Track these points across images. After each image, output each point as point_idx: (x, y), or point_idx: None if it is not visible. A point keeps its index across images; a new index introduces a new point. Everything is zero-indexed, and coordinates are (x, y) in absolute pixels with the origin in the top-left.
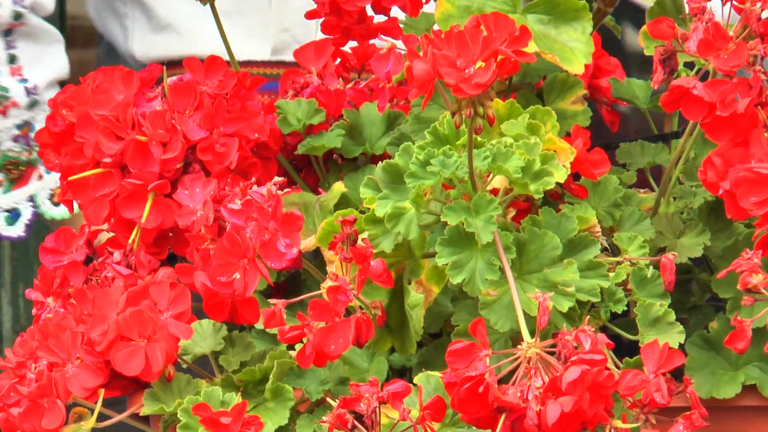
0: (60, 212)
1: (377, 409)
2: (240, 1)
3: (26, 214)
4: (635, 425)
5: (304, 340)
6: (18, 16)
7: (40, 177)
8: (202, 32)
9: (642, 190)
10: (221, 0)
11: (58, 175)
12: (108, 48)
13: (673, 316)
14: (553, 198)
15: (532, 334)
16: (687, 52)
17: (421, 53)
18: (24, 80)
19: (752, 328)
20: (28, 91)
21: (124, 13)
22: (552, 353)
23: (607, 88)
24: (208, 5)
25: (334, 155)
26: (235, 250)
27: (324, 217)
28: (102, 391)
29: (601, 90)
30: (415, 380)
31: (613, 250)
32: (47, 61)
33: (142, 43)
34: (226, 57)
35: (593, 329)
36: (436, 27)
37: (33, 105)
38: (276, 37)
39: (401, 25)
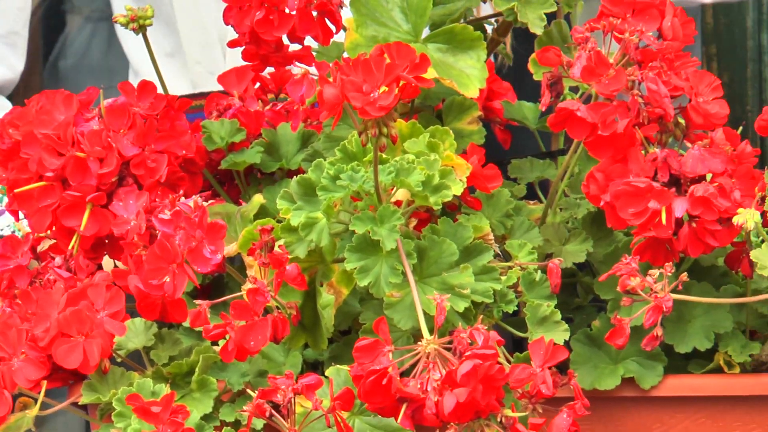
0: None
1: (292, 400)
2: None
3: None
4: (524, 414)
5: (227, 336)
6: None
7: None
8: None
9: (531, 202)
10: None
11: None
12: (51, 72)
13: (558, 316)
14: (451, 209)
15: (431, 331)
16: (572, 78)
17: (331, 79)
18: None
19: (630, 326)
20: None
21: None
22: (449, 349)
23: (500, 110)
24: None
25: (254, 170)
26: (165, 256)
27: (244, 225)
28: (45, 382)
29: (494, 111)
30: (326, 373)
31: (505, 256)
32: None
33: None
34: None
35: (486, 327)
36: (345, 55)
37: None
38: (192, 70)
39: (314, 53)
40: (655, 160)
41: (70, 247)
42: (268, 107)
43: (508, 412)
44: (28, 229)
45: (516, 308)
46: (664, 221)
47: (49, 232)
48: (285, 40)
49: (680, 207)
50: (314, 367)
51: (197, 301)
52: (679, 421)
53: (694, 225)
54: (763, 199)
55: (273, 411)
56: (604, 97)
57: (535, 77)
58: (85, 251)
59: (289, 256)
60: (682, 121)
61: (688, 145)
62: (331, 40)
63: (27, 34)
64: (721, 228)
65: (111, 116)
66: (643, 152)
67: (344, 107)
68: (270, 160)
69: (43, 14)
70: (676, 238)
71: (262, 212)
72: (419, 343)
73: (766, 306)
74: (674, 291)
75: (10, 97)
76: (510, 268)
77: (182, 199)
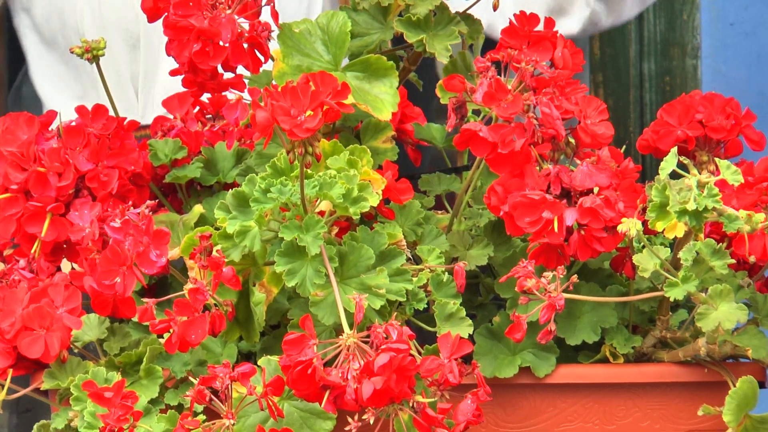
0: None
1: (229, 386)
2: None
3: None
4: (433, 400)
5: (171, 330)
6: None
7: None
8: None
9: (439, 212)
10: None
11: None
12: (15, 96)
13: (463, 312)
14: (368, 218)
15: (351, 327)
16: (475, 102)
17: (262, 104)
18: None
19: (527, 321)
20: None
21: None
22: (367, 342)
23: (411, 131)
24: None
25: (195, 183)
26: (116, 259)
27: (186, 232)
28: (10, 370)
29: (406, 132)
30: (259, 363)
31: (416, 260)
32: None
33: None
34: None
35: (400, 323)
36: (273, 82)
37: None
38: (144, 107)
39: (246, 81)
40: (548, 175)
41: (32, 251)
42: (206, 128)
43: (419, 398)
44: None
45: (426, 306)
46: (556, 229)
47: (14, 238)
48: (220, 69)
49: (570, 217)
50: (248, 357)
51: (144, 299)
52: (569, 405)
53: (582, 232)
54: (644, 209)
55: (212, 396)
56: (503, 119)
57: (442, 101)
58: (46, 255)
59: (226, 260)
60: (572, 140)
61: (578, 162)
62: (261, 69)
63: None
64: (606, 235)
65: (68, 136)
66: (537, 168)
67: (274, 129)
68: (208, 174)
69: (7, 46)
70: (567, 244)
71: (201, 221)
72: (340, 337)
73: (646, 304)
74: (566, 291)
75: None
76: (420, 270)
77: (131, 209)
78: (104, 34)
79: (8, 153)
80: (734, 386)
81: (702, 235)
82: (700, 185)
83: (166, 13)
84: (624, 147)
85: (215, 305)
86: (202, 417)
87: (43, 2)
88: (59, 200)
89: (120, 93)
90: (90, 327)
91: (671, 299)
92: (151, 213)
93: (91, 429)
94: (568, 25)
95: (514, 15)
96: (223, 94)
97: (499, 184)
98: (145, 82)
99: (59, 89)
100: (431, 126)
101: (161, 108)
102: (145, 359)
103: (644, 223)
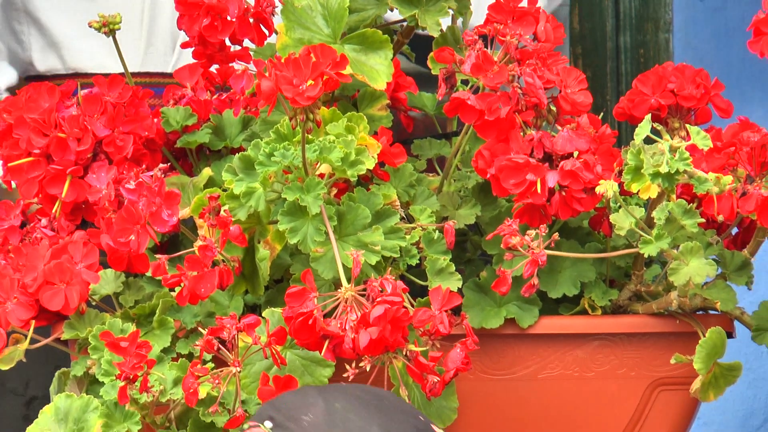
0: None
1: (236, 336)
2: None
3: None
4: (425, 348)
5: (182, 284)
6: None
7: None
8: (87, 49)
9: (430, 175)
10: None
11: None
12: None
13: (452, 268)
14: (365, 180)
15: (349, 281)
16: (463, 73)
17: (267, 74)
18: None
19: (512, 276)
20: None
21: (20, 30)
22: (363, 295)
23: (404, 99)
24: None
25: (204, 148)
26: (131, 219)
27: (196, 194)
28: (33, 322)
29: (399, 100)
30: (263, 314)
31: (409, 219)
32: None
33: (40, 56)
34: (108, 70)
35: (394, 277)
36: (277, 54)
37: None
38: (145, 51)
39: (251, 53)
40: (531, 140)
41: (53, 211)
42: (214, 97)
43: (412, 347)
44: None
45: (418, 261)
46: (539, 190)
47: (36, 198)
48: (227, 42)
49: (552, 179)
50: (253, 309)
51: (157, 256)
52: (551, 354)
53: (563, 193)
54: (620, 172)
55: (220, 345)
56: (489, 88)
57: (433, 72)
58: (66, 214)
59: (233, 219)
60: (553, 108)
61: (559, 128)
62: (265, 41)
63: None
64: (585, 196)
65: (87, 104)
66: (521, 134)
67: (278, 97)
68: (216, 140)
69: None
70: (549, 204)
71: (210, 183)
72: (339, 290)
73: (622, 260)
74: (548, 247)
75: None
76: (413, 228)
77: (145, 172)
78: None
79: (31, 120)
80: (704, 336)
81: (674, 196)
82: (672, 150)
83: None
84: (602, 114)
85: (223, 261)
86: (210, 365)
87: None
88: (78, 164)
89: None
90: (107, 281)
91: (645, 255)
92: (163, 176)
93: (108, 376)
94: None
95: None
96: (230, 65)
97: (486, 148)
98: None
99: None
100: (423, 95)
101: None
102: (157, 311)
103: (620, 185)
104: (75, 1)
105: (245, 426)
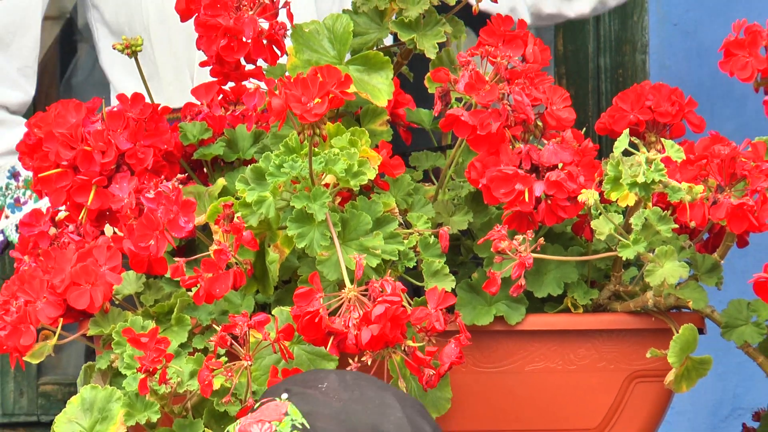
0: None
1: (247, 333)
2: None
3: None
4: (422, 344)
5: (198, 285)
6: None
7: (7, 216)
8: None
9: (426, 184)
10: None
11: (21, 213)
12: (65, 86)
13: (447, 270)
14: (366, 189)
15: (352, 282)
16: (458, 91)
17: (277, 92)
18: None
19: (501, 277)
20: None
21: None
22: (365, 295)
23: (403, 115)
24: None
25: (218, 160)
26: (151, 225)
27: (211, 202)
28: (61, 319)
29: (399, 116)
30: (273, 312)
31: (407, 225)
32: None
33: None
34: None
35: (393, 279)
36: (287, 74)
37: None
38: (166, 90)
39: (264, 72)
40: (520, 153)
41: (79, 218)
42: (229, 113)
43: (410, 343)
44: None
45: (415, 264)
46: (527, 199)
47: (64, 206)
48: (242, 61)
49: (539, 188)
50: (263, 308)
51: (176, 259)
52: (537, 349)
53: (549, 202)
54: (600, 182)
55: (232, 341)
56: (481, 105)
57: (430, 90)
58: (91, 221)
59: (245, 225)
60: (540, 123)
61: (545, 141)
62: (277, 62)
63: (36, 66)
64: (569, 204)
65: (110, 119)
66: (510, 147)
67: (287, 113)
68: (230, 152)
69: (60, 43)
70: (535, 212)
71: (224, 192)
72: (343, 290)
73: (602, 262)
74: (534, 251)
75: (26, 115)
76: (411, 234)
77: (164, 182)
78: (166, 27)
79: (59, 134)
80: (677, 332)
81: (650, 204)
82: (649, 161)
83: (197, 14)
84: (584, 129)
85: (236, 264)
86: (224, 359)
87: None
88: (102, 174)
89: (178, 75)
90: (129, 282)
91: (624, 258)
92: (180, 185)
93: (130, 369)
94: (580, 7)
95: (492, 17)
96: (243, 83)
97: (478, 160)
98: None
99: (127, 72)
100: (420, 111)
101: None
102: (175, 309)
103: (601, 194)
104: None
105: (258, 405)
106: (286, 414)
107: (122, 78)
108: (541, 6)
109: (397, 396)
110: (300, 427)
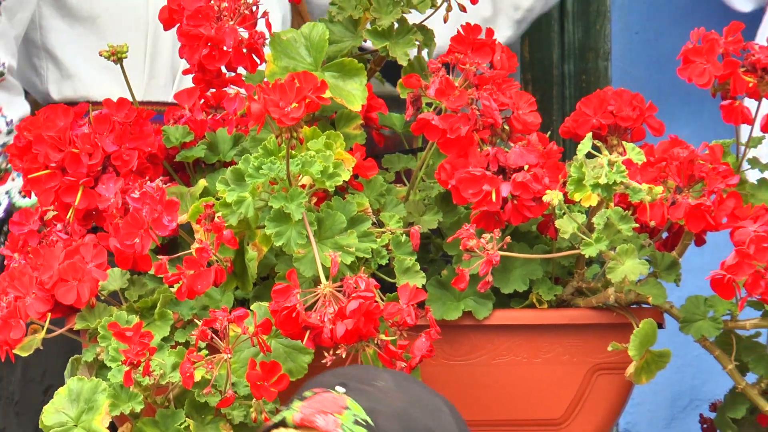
0: (25, 202)
1: (227, 327)
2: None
3: (3, 204)
4: (394, 338)
5: (181, 281)
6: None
7: (13, 179)
8: (99, 81)
9: (398, 185)
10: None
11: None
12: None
13: (418, 267)
14: (341, 190)
15: (327, 278)
16: (428, 96)
17: (256, 97)
18: (4, 116)
19: (469, 274)
20: (7, 124)
21: (39, 65)
22: (340, 291)
23: (376, 119)
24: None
25: (200, 162)
26: (135, 224)
27: (193, 202)
28: (49, 314)
29: (372, 120)
30: (251, 308)
31: (380, 224)
32: (17, 104)
33: (56, 87)
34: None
35: (366, 275)
36: (266, 80)
37: (9, 132)
38: (148, 83)
39: (244, 79)
40: (487, 155)
41: (67, 217)
42: (210, 117)
43: (383, 337)
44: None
45: (387, 261)
46: (494, 199)
47: (53, 206)
48: (223, 69)
49: (506, 189)
50: (242, 303)
51: (159, 256)
52: (503, 342)
53: (515, 202)
54: (564, 183)
55: (213, 335)
56: (451, 110)
57: (402, 96)
58: (78, 220)
59: (225, 224)
60: (507, 127)
61: (512, 144)
62: (256, 69)
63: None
64: (534, 204)
65: (97, 123)
66: (479, 150)
67: (266, 118)
68: (211, 154)
69: None
70: (502, 211)
71: (205, 192)
72: (318, 287)
73: (566, 260)
74: (501, 249)
75: None
76: (383, 232)
77: (148, 183)
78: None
79: (48, 137)
80: (637, 327)
81: (612, 204)
82: (611, 164)
83: (179, 23)
84: (549, 133)
85: (217, 261)
86: (204, 352)
87: None
88: (89, 176)
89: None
90: (114, 279)
91: (586, 256)
92: (164, 186)
93: (115, 361)
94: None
95: (461, 26)
96: (224, 89)
97: (448, 162)
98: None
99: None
100: (392, 115)
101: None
102: (158, 305)
103: (565, 194)
104: (87, 39)
105: (308, 393)
106: (347, 408)
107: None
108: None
109: (444, 401)
110: (363, 423)
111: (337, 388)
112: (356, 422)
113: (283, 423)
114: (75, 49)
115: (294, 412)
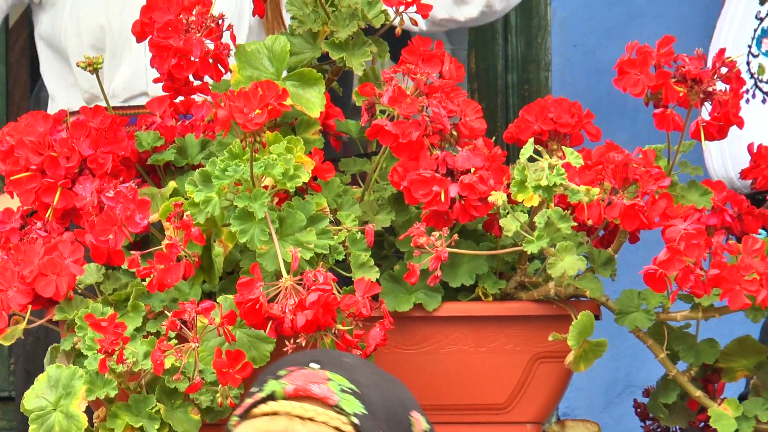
0: None
1: (195, 318)
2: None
3: None
4: (350, 328)
5: (152, 275)
6: None
7: None
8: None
9: (354, 187)
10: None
11: None
12: (35, 99)
13: (372, 262)
14: (301, 191)
15: (288, 272)
16: (382, 104)
17: (222, 104)
18: None
19: (420, 269)
20: None
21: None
22: (300, 284)
23: (334, 125)
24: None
25: (170, 165)
26: (110, 221)
27: (163, 201)
28: (30, 306)
29: (330, 126)
30: (218, 300)
31: (337, 222)
32: None
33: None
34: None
35: (325, 270)
36: (231, 88)
37: None
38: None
39: (210, 87)
40: (437, 159)
41: (46, 215)
42: (179, 123)
43: (340, 327)
44: None
45: (344, 257)
46: (443, 199)
47: (33, 205)
48: (191, 78)
49: (454, 190)
50: (209, 296)
51: (132, 252)
52: (451, 332)
53: (463, 202)
54: (508, 185)
55: (182, 325)
56: (403, 117)
57: (357, 103)
58: (57, 218)
59: (193, 222)
60: (455, 133)
61: (459, 149)
62: (222, 78)
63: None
64: (480, 204)
65: (74, 129)
66: (429, 153)
67: (231, 123)
68: (180, 158)
69: (29, 62)
70: (451, 211)
71: (175, 193)
72: (280, 280)
73: (510, 256)
74: (449, 246)
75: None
76: (340, 230)
77: (122, 184)
78: (80, 38)
79: (29, 142)
80: (576, 318)
81: (552, 204)
82: (551, 167)
83: (150, 36)
84: (494, 138)
85: (185, 256)
86: (174, 341)
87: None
88: (67, 177)
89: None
90: (90, 273)
91: (528, 252)
92: (136, 187)
93: (91, 350)
94: (468, 12)
95: (413, 38)
96: (192, 97)
97: (400, 165)
98: (108, 71)
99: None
100: (348, 122)
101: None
102: (131, 297)
103: (508, 195)
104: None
105: (282, 372)
106: (330, 380)
107: (59, 90)
108: (435, 13)
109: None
110: (349, 390)
111: (312, 365)
112: (343, 390)
113: (271, 397)
114: (51, 73)
115: (284, 384)
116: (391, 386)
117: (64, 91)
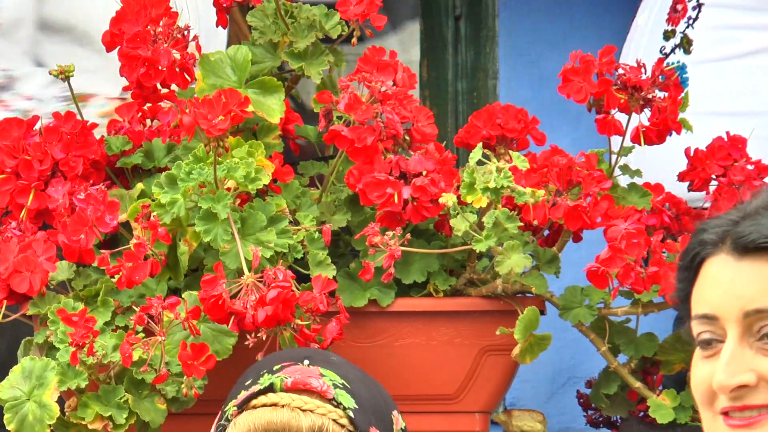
0: None
1: (161, 313)
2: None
3: None
4: (308, 322)
5: (121, 272)
6: None
7: None
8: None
9: (312, 189)
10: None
11: None
12: None
13: (329, 260)
14: (262, 192)
15: (250, 270)
16: (339, 111)
17: (187, 111)
18: None
19: (375, 267)
20: None
21: None
22: (261, 281)
23: (293, 130)
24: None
25: (138, 168)
26: (81, 222)
27: (131, 203)
28: (5, 302)
29: (289, 131)
30: (183, 296)
31: (296, 222)
32: None
33: None
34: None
35: (284, 268)
36: (196, 95)
37: None
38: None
39: (177, 94)
40: (391, 162)
41: (21, 216)
42: (146, 128)
43: (299, 321)
44: None
45: (302, 255)
46: (396, 201)
47: (8, 207)
48: (159, 86)
49: (406, 192)
50: (175, 292)
51: (102, 250)
52: (404, 327)
53: (415, 203)
54: (458, 187)
55: (149, 320)
56: (359, 122)
57: (315, 110)
58: (31, 219)
59: (160, 222)
60: (408, 138)
61: (412, 153)
62: (188, 86)
63: None
64: (432, 205)
65: (47, 133)
66: (383, 157)
67: (196, 129)
68: (147, 161)
69: None
70: (403, 212)
71: (142, 195)
72: (242, 278)
73: (460, 255)
74: (402, 245)
75: None
76: (299, 230)
77: (92, 186)
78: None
79: (4, 146)
80: (522, 313)
81: (500, 206)
82: (498, 170)
83: (120, 46)
84: (444, 142)
85: (152, 255)
86: (141, 335)
87: None
88: (40, 180)
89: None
90: (62, 270)
91: (477, 251)
92: (106, 189)
93: (63, 343)
94: None
95: (368, 48)
96: (159, 104)
97: (356, 168)
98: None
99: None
100: (307, 127)
101: None
102: (101, 293)
103: (458, 197)
104: (64, 48)
105: (277, 367)
106: (323, 375)
107: None
108: None
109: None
110: (341, 386)
111: (304, 361)
112: (336, 386)
113: (270, 389)
114: (55, 60)
115: (283, 378)
116: (374, 385)
117: None
